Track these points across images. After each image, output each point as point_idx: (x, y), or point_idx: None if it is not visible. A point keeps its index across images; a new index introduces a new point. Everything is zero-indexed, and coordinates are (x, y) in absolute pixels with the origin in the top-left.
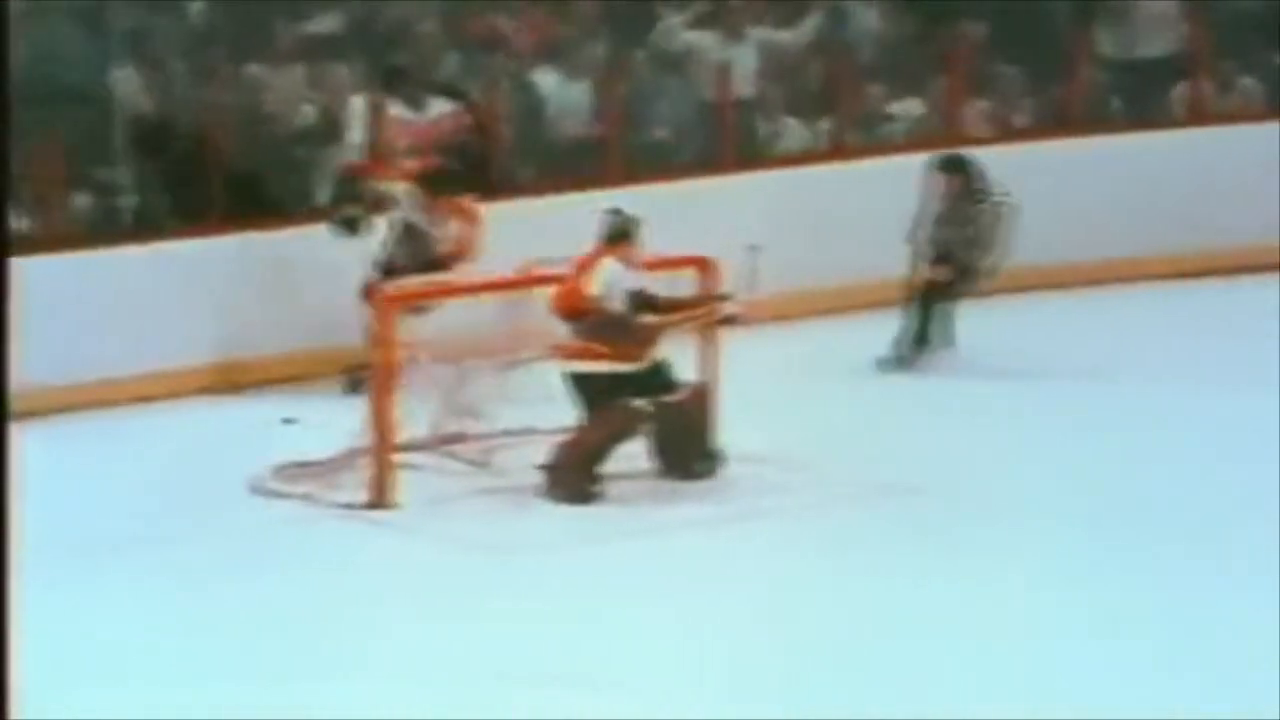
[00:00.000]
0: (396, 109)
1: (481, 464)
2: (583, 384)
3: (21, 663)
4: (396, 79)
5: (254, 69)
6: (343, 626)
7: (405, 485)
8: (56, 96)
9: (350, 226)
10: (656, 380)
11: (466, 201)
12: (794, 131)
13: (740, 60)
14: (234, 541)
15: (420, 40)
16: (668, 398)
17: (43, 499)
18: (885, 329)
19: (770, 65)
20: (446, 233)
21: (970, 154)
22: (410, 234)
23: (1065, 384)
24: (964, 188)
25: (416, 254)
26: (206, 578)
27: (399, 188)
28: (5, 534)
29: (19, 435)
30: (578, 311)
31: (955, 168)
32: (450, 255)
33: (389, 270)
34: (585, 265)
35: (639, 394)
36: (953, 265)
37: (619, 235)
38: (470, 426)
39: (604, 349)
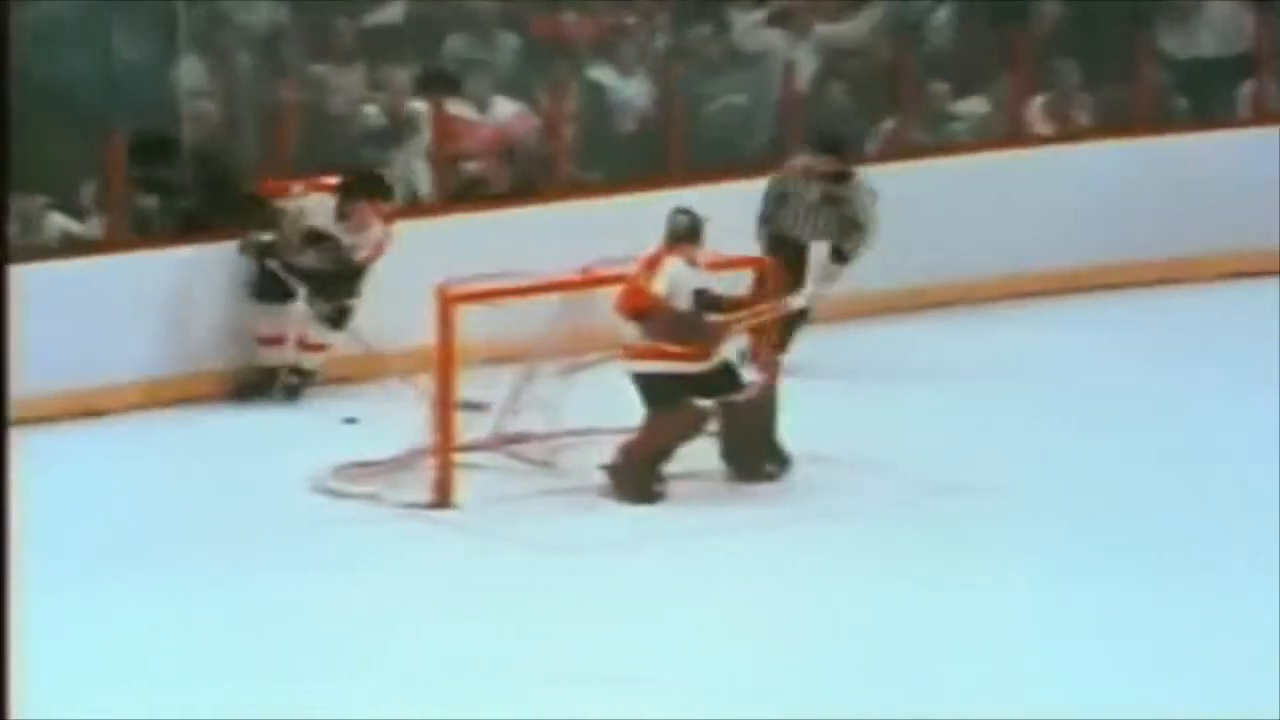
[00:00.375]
0: (462, 110)
1: (545, 464)
2: (648, 384)
3: (79, 661)
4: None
5: (319, 68)
6: (405, 626)
7: (468, 485)
8: (121, 97)
9: (260, 251)
10: (722, 380)
11: (380, 205)
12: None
13: (804, 58)
14: (295, 540)
15: (482, 37)
16: (734, 398)
17: (114, 495)
18: (948, 329)
19: (834, 63)
20: (368, 237)
21: (842, 132)
22: (319, 242)
23: (1128, 382)
24: (838, 168)
25: (332, 261)
26: (267, 576)
27: (309, 200)
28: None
29: (92, 431)
30: (643, 311)
31: (832, 146)
32: (368, 259)
33: (295, 274)
34: (651, 265)
35: (705, 394)
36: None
37: (684, 235)
38: (534, 426)
39: (670, 349)
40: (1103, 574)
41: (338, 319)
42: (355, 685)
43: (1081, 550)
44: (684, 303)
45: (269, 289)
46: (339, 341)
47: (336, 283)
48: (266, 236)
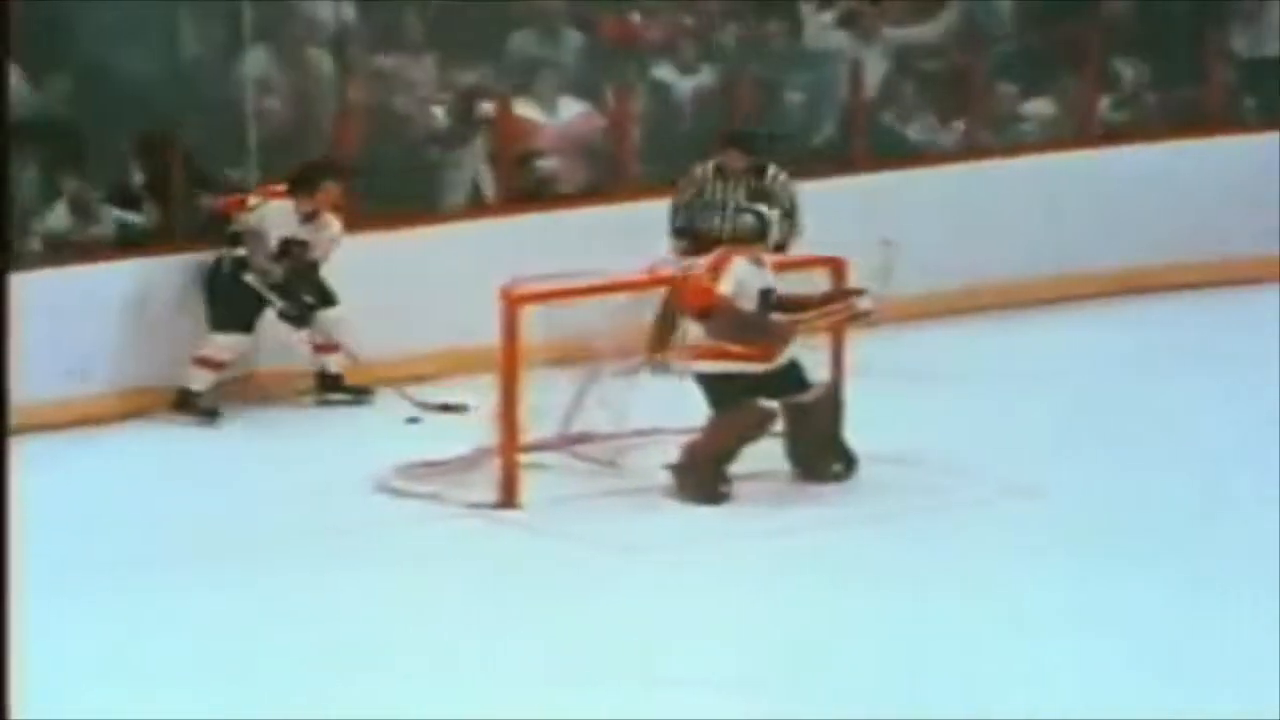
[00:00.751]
0: (528, 110)
1: (609, 464)
2: (713, 384)
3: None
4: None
5: (387, 63)
6: (469, 624)
7: (532, 485)
8: (188, 96)
9: (236, 267)
10: (789, 380)
11: (335, 191)
12: (926, 132)
13: (872, 60)
14: (359, 539)
15: (548, 35)
16: (800, 398)
17: (184, 493)
18: (1016, 330)
19: (902, 65)
20: (329, 232)
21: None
22: (288, 250)
23: (1193, 384)
24: (754, 163)
25: (297, 265)
26: (331, 575)
27: (270, 208)
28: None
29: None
30: (708, 311)
31: (747, 141)
32: (323, 256)
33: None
34: (716, 264)
35: (771, 394)
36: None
37: (750, 235)
38: (598, 427)
39: (734, 349)
40: (1164, 577)
41: (302, 318)
42: (416, 683)
43: (1142, 552)
44: (750, 303)
45: (233, 316)
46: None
47: (298, 282)
48: (239, 252)
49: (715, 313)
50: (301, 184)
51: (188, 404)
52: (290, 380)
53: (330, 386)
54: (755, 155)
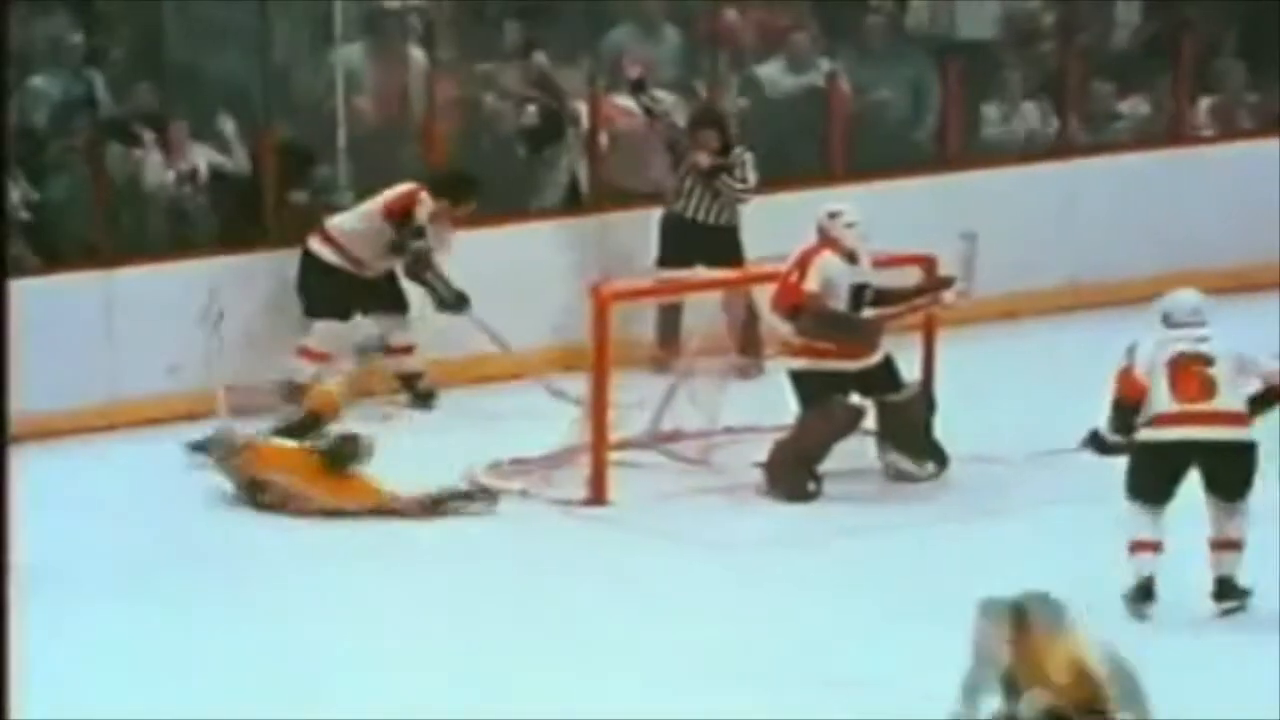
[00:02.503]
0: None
1: (700, 462)
2: (803, 381)
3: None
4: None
5: (484, 65)
6: (560, 621)
7: (623, 483)
8: (284, 93)
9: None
10: (881, 378)
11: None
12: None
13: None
14: (445, 532)
15: (646, 31)
16: (893, 397)
17: None
18: (1103, 328)
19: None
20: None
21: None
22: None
23: None
24: (723, 142)
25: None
26: (422, 568)
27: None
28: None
29: None
30: (796, 308)
31: (713, 121)
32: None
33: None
34: (803, 262)
35: (863, 391)
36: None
37: (838, 231)
38: (689, 424)
39: (824, 346)
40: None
41: (459, 305)
42: (507, 674)
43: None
44: (839, 300)
45: (329, 306)
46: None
47: (425, 274)
48: (421, 244)
49: (803, 310)
50: (454, 191)
51: (294, 396)
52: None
53: (407, 387)
54: (725, 133)
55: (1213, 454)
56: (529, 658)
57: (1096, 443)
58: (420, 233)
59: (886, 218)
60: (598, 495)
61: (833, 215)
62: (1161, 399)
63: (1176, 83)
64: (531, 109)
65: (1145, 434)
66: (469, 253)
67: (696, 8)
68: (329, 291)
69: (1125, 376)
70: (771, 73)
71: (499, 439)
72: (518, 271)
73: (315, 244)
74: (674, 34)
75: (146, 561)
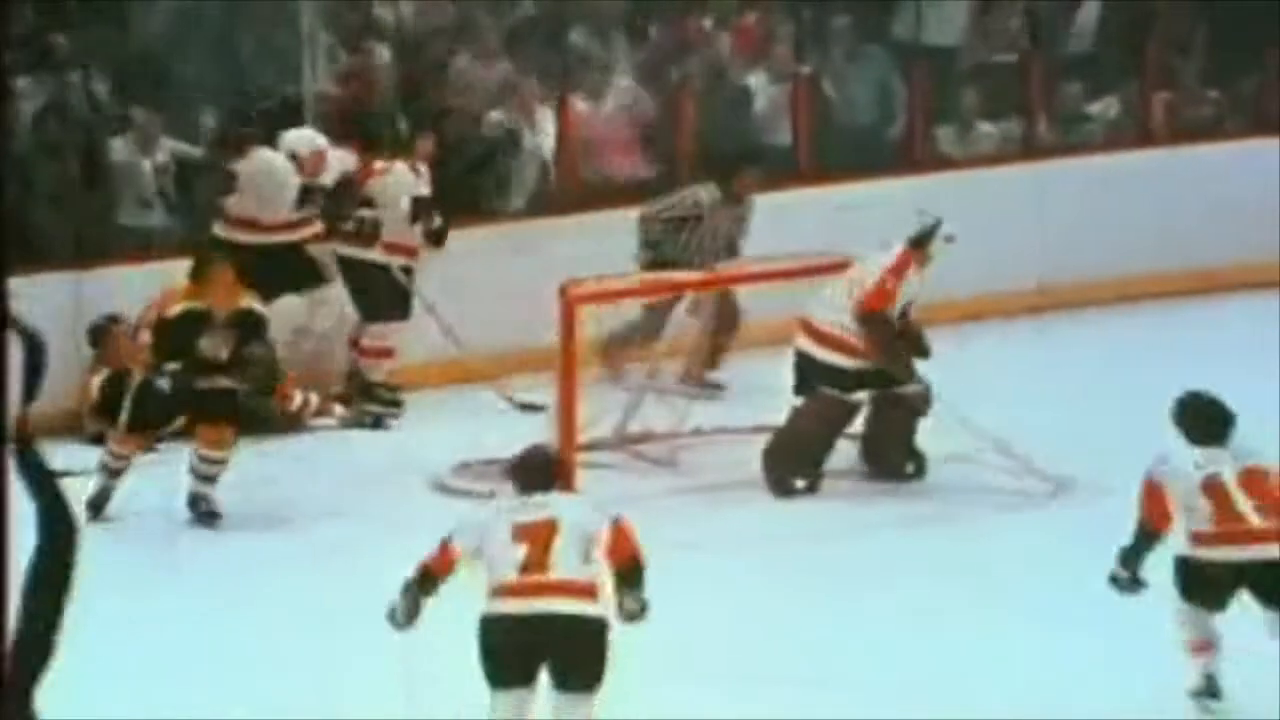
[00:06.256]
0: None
1: (668, 463)
2: (810, 367)
3: None
4: None
5: (461, 62)
6: None
7: (591, 484)
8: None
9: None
10: (880, 375)
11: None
12: (988, 132)
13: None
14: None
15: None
16: (901, 389)
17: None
18: (1076, 329)
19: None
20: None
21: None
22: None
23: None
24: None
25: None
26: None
27: (397, 171)
28: None
29: None
30: (875, 314)
31: (752, 161)
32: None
33: None
34: (900, 268)
35: (861, 387)
36: None
37: (924, 239)
38: (657, 425)
39: (859, 345)
40: None
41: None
42: (470, 678)
43: None
44: (895, 312)
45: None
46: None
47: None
48: (367, 213)
49: (877, 319)
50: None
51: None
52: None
53: (368, 395)
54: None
55: None
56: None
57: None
58: (367, 202)
59: (849, 222)
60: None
61: (936, 226)
62: None
63: (1143, 83)
64: (495, 115)
65: None
66: (439, 256)
67: (659, 9)
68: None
69: None
70: (754, 82)
71: (467, 440)
72: (488, 274)
73: None
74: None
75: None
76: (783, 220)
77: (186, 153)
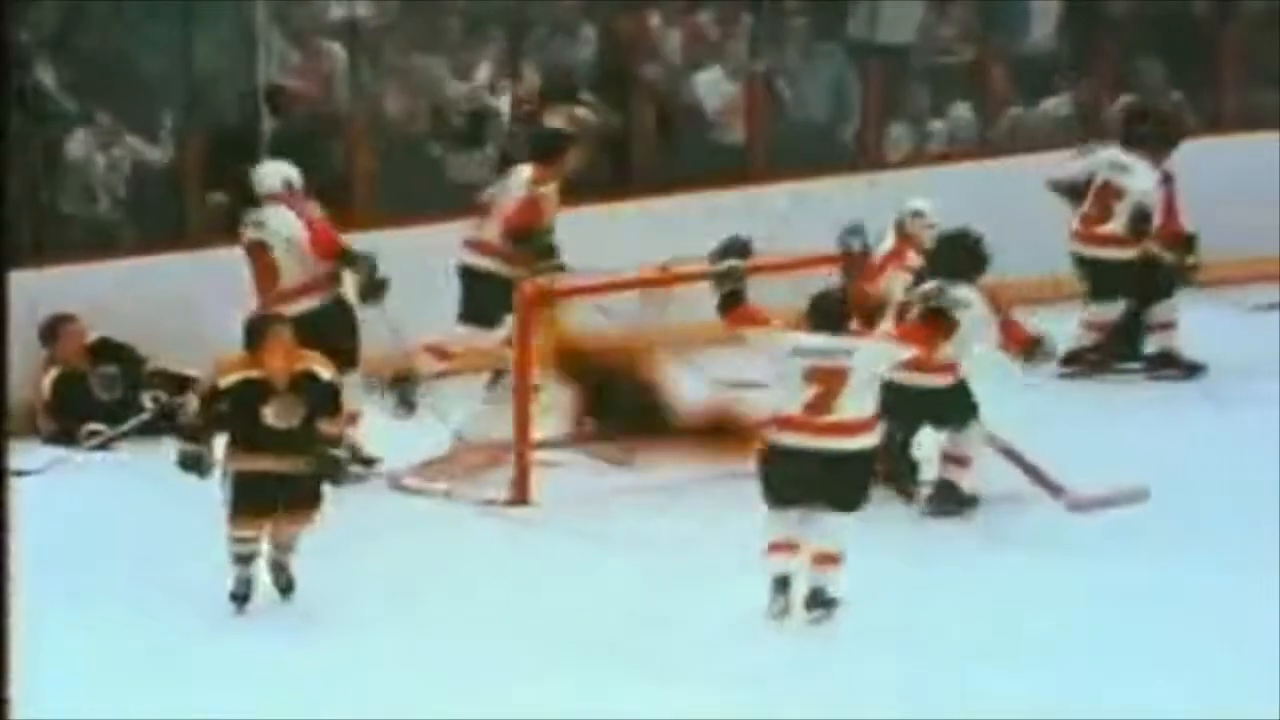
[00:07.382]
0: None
1: (622, 462)
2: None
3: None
4: None
5: (420, 60)
6: (481, 622)
7: (545, 483)
8: (201, 97)
9: None
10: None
11: None
12: (939, 131)
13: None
14: (369, 533)
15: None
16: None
17: None
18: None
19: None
20: None
21: None
22: None
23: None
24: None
25: None
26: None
27: None
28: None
29: None
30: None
31: None
32: None
33: None
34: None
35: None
36: None
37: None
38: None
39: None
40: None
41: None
42: (427, 677)
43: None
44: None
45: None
46: None
47: None
48: None
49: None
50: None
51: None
52: None
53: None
54: None
55: None
56: (452, 660)
57: None
58: None
59: (806, 219)
60: (520, 495)
61: (916, 214)
62: None
63: (1095, 83)
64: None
65: None
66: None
67: (615, 8)
68: None
69: None
70: (708, 79)
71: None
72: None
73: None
74: (591, 34)
75: None
76: (733, 219)
77: (143, 153)
